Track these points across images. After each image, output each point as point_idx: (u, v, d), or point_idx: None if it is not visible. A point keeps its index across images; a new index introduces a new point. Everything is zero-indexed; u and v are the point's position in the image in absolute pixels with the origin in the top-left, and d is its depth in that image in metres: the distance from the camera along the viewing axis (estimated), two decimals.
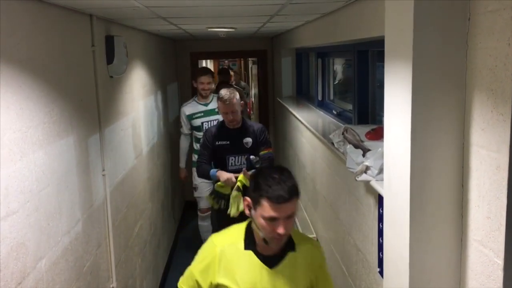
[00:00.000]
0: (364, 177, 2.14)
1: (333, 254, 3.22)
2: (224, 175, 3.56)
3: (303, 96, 5.71)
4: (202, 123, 4.93)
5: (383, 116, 2.87)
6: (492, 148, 1.26)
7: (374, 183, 2.07)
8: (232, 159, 3.80)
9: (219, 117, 4.25)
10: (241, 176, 3.50)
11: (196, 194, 5.07)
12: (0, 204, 1.59)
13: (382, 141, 1.83)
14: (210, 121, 4.87)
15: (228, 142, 3.78)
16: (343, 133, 2.49)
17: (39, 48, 1.99)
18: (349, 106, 3.61)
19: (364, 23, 2.43)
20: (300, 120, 4.34)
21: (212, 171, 3.69)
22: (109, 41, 3.01)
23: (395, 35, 1.56)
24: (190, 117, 5.00)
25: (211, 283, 1.83)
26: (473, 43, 1.35)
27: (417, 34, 1.39)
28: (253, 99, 10.40)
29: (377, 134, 2.26)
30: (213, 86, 4.99)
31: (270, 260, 1.83)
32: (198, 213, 5.12)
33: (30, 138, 1.85)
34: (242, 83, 9.81)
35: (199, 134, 4.83)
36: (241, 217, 2.16)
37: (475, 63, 1.34)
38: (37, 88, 1.94)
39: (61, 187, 2.15)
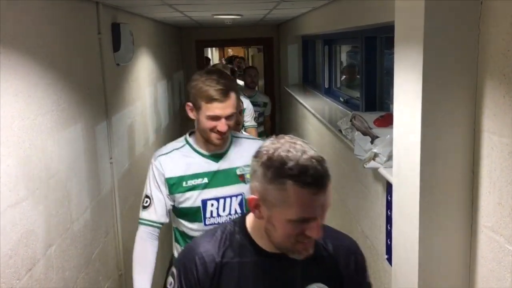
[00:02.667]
0: (372, 164, 2.13)
1: None
2: None
3: (310, 83, 5.68)
4: (205, 201, 1.95)
5: (390, 103, 2.86)
6: (503, 133, 1.25)
7: (383, 170, 2.06)
8: None
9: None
10: None
11: None
12: (10, 192, 1.60)
13: (391, 128, 1.82)
14: (229, 197, 1.97)
15: None
16: (351, 120, 2.47)
17: (46, 36, 1.99)
18: (356, 94, 3.59)
19: (372, 8, 2.41)
20: (307, 108, 4.32)
21: None
22: (115, 29, 3.00)
23: (406, 20, 1.54)
24: (175, 186, 1.96)
25: None
26: (485, 27, 1.33)
27: (428, 19, 1.37)
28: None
29: (386, 121, 2.24)
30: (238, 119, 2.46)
31: None
32: None
33: (39, 126, 1.86)
34: None
35: (193, 230, 1.99)
36: None
37: (487, 48, 1.32)
38: (44, 76, 1.94)
39: (70, 174, 2.16)
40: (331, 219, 3.58)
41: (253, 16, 4.80)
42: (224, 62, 11.62)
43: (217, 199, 1.95)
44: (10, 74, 1.64)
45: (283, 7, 3.79)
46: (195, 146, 1.96)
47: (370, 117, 2.37)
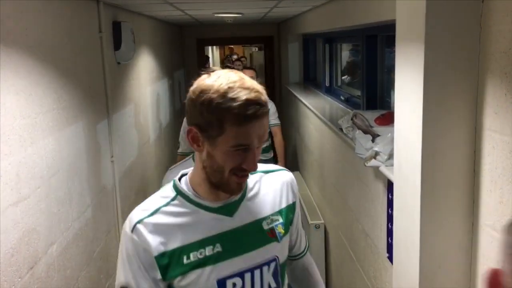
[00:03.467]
0: (373, 162, 2.13)
1: (341, 239, 3.23)
2: None
3: (311, 82, 5.68)
4: (223, 281, 1.29)
5: (391, 102, 2.86)
6: (505, 132, 1.25)
7: (384, 169, 2.06)
8: None
9: None
10: None
11: None
12: (12, 190, 1.60)
13: (392, 126, 1.82)
14: (258, 267, 1.38)
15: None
16: (352, 119, 2.47)
17: (47, 34, 1.99)
18: (357, 92, 3.59)
19: (373, 7, 2.41)
20: (307, 107, 4.32)
21: None
22: (116, 27, 3.00)
23: (407, 18, 1.54)
24: (171, 266, 1.24)
25: None
26: (487, 26, 1.33)
27: (430, 17, 1.37)
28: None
29: (387, 119, 2.24)
30: None
31: None
32: None
33: (40, 124, 1.86)
34: None
35: None
36: None
37: (488, 46, 1.32)
38: (46, 74, 1.94)
39: (71, 173, 2.16)
40: (332, 217, 3.59)
41: (254, 15, 4.80)
42: (233, 58, 10.89)
43: (241, 274, 1.24)
44: (11, 73, 1.64)
45: (283, 6, 3.79)
46: (193, 196, 1.22)
47: (371, 116, 2.37)
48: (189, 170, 1.27)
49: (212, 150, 1.15)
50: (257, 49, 11.65)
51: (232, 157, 1.14)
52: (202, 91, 1.13)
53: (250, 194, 1.28)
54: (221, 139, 1.12)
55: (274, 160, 4.28)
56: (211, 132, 1.13)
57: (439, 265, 1.51)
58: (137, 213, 1.21)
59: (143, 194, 3.66)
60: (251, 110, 1.11)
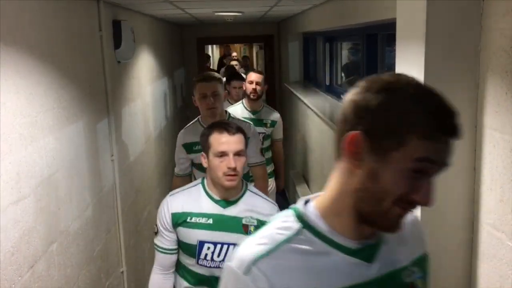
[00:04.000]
0: None
1: None
2: None
3: (311, 81, 5.67)
4: None
5: None
6: (505, 130, 1.25)
7: None
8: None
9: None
10: None
11: None
12: (12, 189, 1.60)
13: None
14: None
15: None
16: None
17: (47, 33, 1.99)
18: None
19: (374, 5, 2.40)
20: (308, 105, 4.32)
21: None
22: (116, 26, 3.00)
23: (408, 17, 1.54)
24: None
25: None
26: (487, 24, 1.32)
27: (430, 16, 1.37)
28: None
29: None
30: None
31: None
32: None
33: (40, 123, 1.86)
34: None
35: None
36: None
37: (489, 45, 1.32)
38: (47, 74, 1.94)
39: (71, 172, 2.16)
40: None
41: (254, 13, 4.80)
42: (233, 57, 10.03)
43: None
44: (12, 71, 1.64)
45: (284, 4, 3.79)
46: (327, 232, 0.95)
47: None
48: (311, 197, 1.00)
49: (380, 167, 0.87)
50: (259, 48, 11.63)
51: (405, 180, 0.86)
52: (383, 89, 0.87)
53: (386, 235, 0.99)
54: (398, 154, 0.85)
55: (274, 175, 3.94)
56: (386, 142, 0.86)
57: (439, 263, 1.50)
58: (251, 249, 0.94)
59: (143, 193, 3.66)
60: (452, 122, 0.86)
